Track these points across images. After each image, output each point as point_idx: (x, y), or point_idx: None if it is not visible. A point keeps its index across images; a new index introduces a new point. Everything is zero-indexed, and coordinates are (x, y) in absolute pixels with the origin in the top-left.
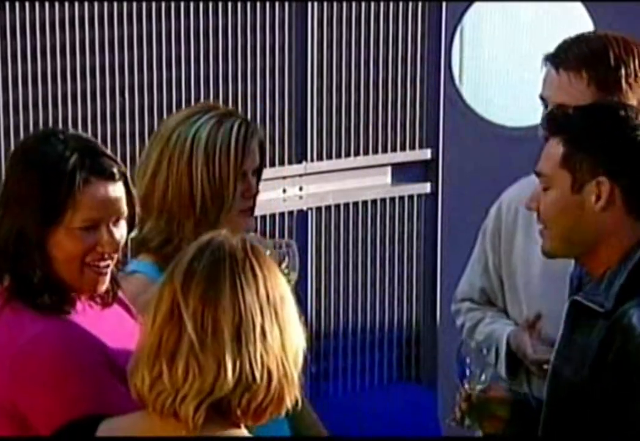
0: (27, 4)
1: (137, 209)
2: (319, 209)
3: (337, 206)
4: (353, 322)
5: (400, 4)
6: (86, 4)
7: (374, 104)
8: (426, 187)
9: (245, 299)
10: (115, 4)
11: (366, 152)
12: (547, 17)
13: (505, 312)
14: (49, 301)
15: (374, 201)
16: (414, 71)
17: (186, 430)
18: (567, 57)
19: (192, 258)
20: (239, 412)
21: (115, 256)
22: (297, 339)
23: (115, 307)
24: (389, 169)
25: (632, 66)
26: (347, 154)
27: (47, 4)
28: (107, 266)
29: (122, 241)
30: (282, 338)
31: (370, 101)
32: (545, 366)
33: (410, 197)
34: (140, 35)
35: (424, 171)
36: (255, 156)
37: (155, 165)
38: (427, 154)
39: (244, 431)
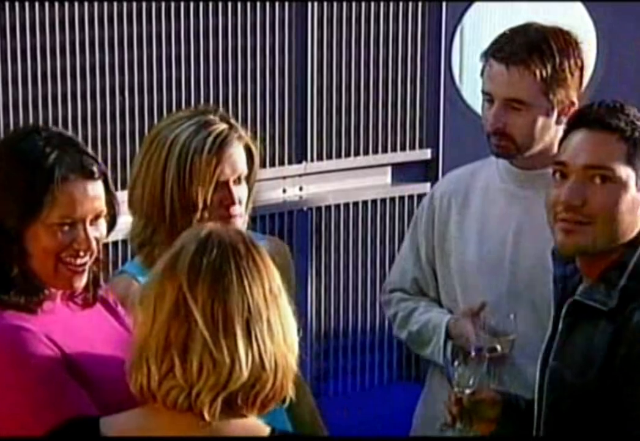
0: (27, 4)
1: (117, 209)
2: (319, 209)
3: (337, 206)
4: (353, 322)
5: (400, 4)
6: (86, 4)
7: (374, 104)
8: (426, 187)
9: (252, 292)
10: (115, 4)
11: (366, 152)
12: (547, 17)
13: (438, 302)
14: (15, 298)
15: (374, 201)
16: (414, 71)
17: (203, 423)
18: (511, 51)
19: (195, 251)
20: (248, 403)
21: (93, 254)
22: (293, 330)
23: (99, 308)
24: (389, 169)
25: (572, 56)
26: (347, 154)
27: (47, 4)
28: (84, 264)
29: (101, 240)
30: (284, 329)
31: (370, 101)
32: (487, 354)
33: (410, 197)
34: (140, 35)
35: (424, 171)
36: (236, 164)
37: (137, 167)
38: (427, 154)
39: (256, 421)
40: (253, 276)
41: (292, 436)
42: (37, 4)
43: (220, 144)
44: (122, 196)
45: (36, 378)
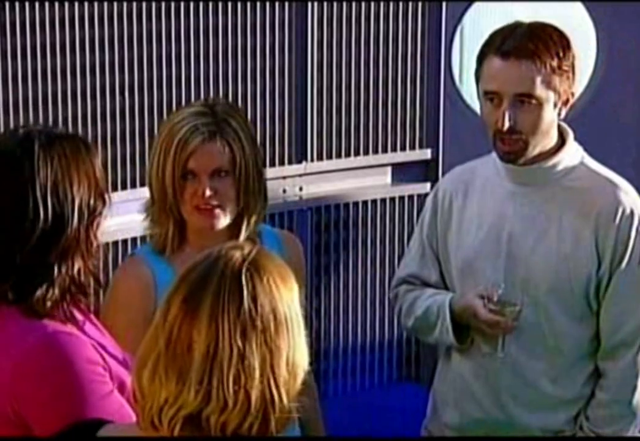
0: (27, 2)
1: None
2: (318, 209)
3: (337, 206)
4: (353, 322)
5: (400, 3)
6: (86, 3)
7: (374, 104)
8: (426, 187)
9: (225, 317)
10: (115, 3)
11: (366, 152)
12: (547, 17)
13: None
14: (66, 308)
15: (374, 201)
16: (414, 71)
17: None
18: (517, 45)
19: (193, 265)
20: (217, 432)
21: None
22: (294, 361)
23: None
24: (389, 169)
25: (569, 51)
26: (347, 154)
27: (47, 3)
28: None
29: None
30: (272, 361)
31: (370, 101)
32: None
33: (410, 197)
34: (140, 34)
35: (424, 171)
36: (209, 157)
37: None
38: (427, 154)
39: None
40: (232, 300)
41: (292, 436)
42: (37, 3)
43: (190, 136)
44: (124, 195)
45: (89, 383)
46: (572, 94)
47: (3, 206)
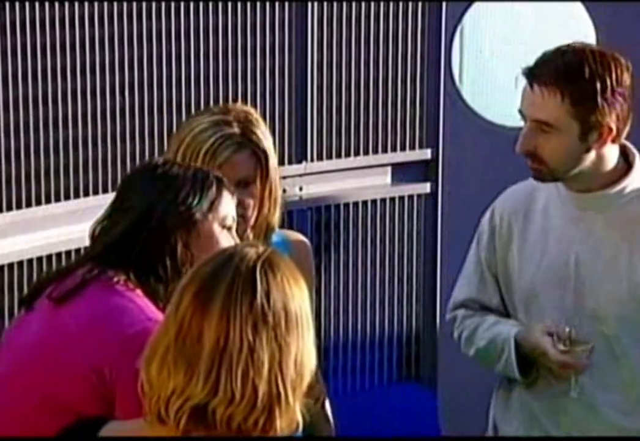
0: (27, 3)
1: None
2: (318, 209)
3: (337, 206)
4: (353, 322)
5: (400, 3)
6: (86, 3)
7: (374, 104)
8: (426, 187)
9: (237, 310)
10: (115, 2)
11: (366, 152)
12: (547, 17)
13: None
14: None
15: (374, 201)
16: (414, 71)
17: (173, 431)
18: (541, 72)
19: (207, 260)
20: (223, 426)
21: None
22: (302, 361)
23: None
24: (389, 169)
25: (608, 81)
26: (347, 154)
27: (47, 3)
28: None
29: None
30: (281, 358)
31: (370, 101)
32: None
33: (410, 197)
34: (140, 33)
35: (424, 171)
36: (235, 168)
37: None
38: (427, 154)
39: None
40: (245, 295)
41: (293, 437)
42: (37, 3)
43: (219, 147)
44: None
45: None
46: (610, 129)
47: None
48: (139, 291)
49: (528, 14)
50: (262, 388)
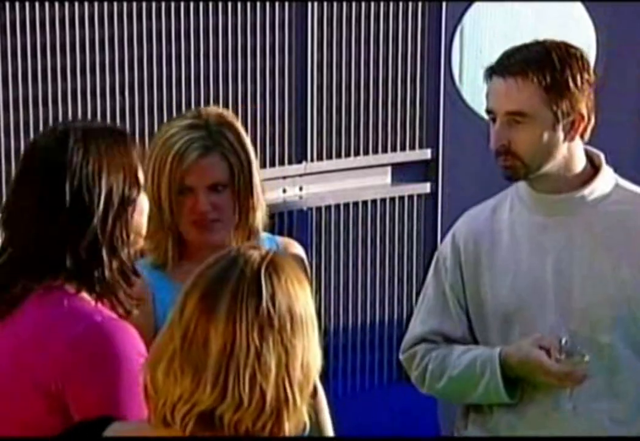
0: (27, 3)
1: None
2: (319, 209)
3: (337, 206)
4: (353, 322)
5: (400, 3)
6: (86, 3)
7: (374, 104)
8: (426, 187)
9: (243, 315)
10: (115, 3)
11: (366, 152)
12: (547, 17)
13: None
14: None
15: (374, 201)
16: (414, 71)
17: (177, 435)
18: (511, 63)
19: (210, 263)
20: (231, 430)
21: None
22: (308, 362)
23: None
24: (389, 169)
25: (576, 68)
26: (347, 154)
27: (47, 3)
28: None
29: None
30: (287, 361)
31: (370, 101)
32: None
33: (410, 197)
34: (140, 34)
35: (424, 171)
36: (208, 172)
37: None
38: (427, 154)
39: None
40: (251, 299)
41: (292, 436)
42: (37, 3)
43: (185, 152)
44: None
45: (134, 380)
46: (582, 116)
47: (43, 197)
48: (82, 294)
49: (528, 14)
50: (270, 392)
